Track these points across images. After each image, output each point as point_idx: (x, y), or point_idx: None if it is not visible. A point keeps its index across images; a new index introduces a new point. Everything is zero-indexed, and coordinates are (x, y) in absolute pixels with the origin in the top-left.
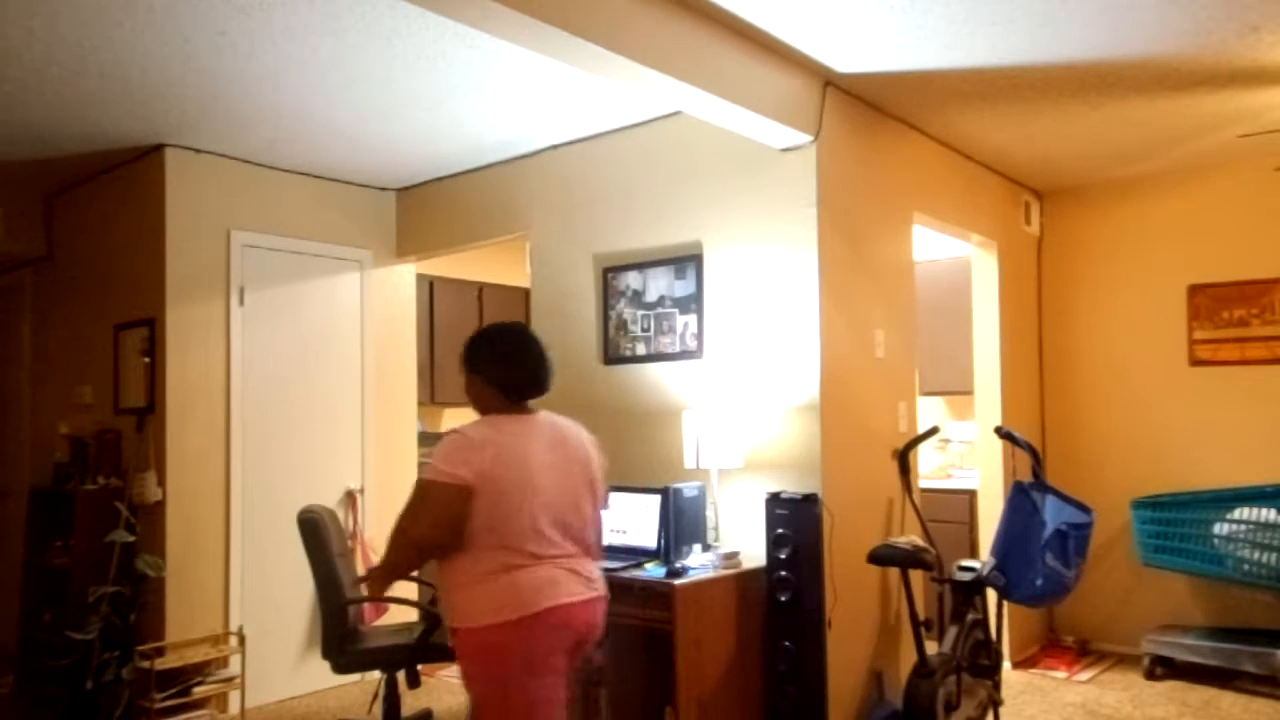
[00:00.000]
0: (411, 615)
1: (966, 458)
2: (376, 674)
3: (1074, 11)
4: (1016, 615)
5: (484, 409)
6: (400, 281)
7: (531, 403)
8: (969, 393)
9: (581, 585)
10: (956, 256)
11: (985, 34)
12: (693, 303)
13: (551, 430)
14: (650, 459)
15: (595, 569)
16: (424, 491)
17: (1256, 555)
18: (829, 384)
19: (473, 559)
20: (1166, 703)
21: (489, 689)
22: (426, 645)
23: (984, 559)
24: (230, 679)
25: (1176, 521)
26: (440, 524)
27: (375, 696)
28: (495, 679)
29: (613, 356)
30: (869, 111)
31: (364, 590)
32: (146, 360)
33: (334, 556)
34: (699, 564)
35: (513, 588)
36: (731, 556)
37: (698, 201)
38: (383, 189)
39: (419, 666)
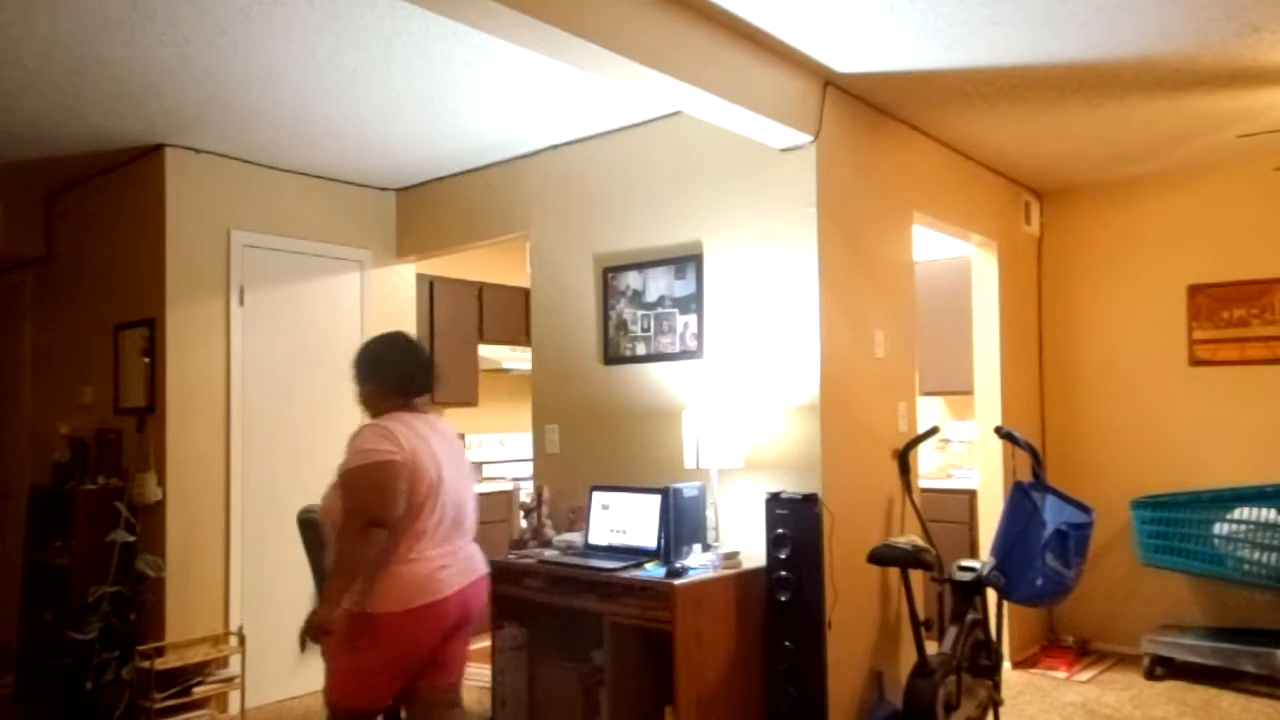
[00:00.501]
0: None
1: (966, 458)
2: None
3: (1074, 11)
4: (1016, 615)
5: (378, 411)
6: (400, 281)
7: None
8: (969, 393)
9: (465, 573)
10: (956, 256)
11: (985, 34)
12: (693, 303)
13: (440, 425)
14: (650, 459)
15: (477, 550)
16: (367, 473)
17: (1256, 555)
18: (829, 384)
19: (392, 542)
20: (1166, 703)
21: (362, 669)
22: None
23: (984, 559)
24: (230, 679)
25: (1176, 521)
26: (390, 502)
27: None
28: (375, 661)
29: (613, 356)
30: (869, 111)
31: (324, 611)
32: (146, 360)
33: None
34: (699, 564)
35: (415, 578)
36: (731, 556)
37: (697, 201)
38: (383, 189)
39: None
